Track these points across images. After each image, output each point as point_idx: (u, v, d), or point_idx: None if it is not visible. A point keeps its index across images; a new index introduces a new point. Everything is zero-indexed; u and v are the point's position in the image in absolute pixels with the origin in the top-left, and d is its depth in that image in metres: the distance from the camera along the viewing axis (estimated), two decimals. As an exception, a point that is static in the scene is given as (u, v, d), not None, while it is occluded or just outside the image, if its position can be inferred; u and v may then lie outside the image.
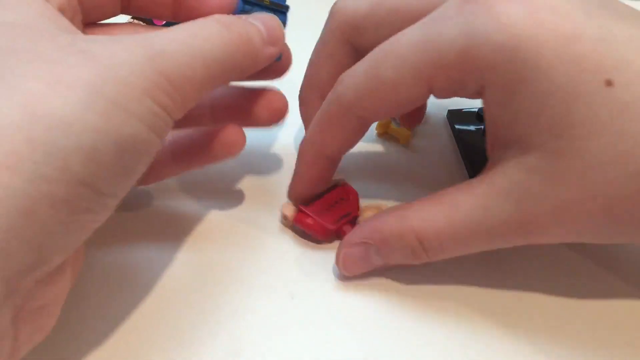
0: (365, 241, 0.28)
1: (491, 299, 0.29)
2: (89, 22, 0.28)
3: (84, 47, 0.21)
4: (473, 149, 0.36)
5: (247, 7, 0.29)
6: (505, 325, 0.28)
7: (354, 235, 0.29)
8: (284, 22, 0.29)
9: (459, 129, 0.37)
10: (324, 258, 0.31)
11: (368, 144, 0.37)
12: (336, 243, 0.31)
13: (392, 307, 0.29)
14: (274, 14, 0.29)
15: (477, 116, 0.38)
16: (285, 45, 0.30)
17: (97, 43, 0.21)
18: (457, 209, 0.26)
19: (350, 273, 0.29)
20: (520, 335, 0.28)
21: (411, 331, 0.28)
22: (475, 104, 0.39)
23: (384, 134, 0.38)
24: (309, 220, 0.30)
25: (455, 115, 0.38)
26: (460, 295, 0.29)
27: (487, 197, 0.25)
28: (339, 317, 0.28)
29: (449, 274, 0.30)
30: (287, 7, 0.30)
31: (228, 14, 0.28)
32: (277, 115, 0.30)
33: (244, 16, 0.27)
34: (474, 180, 0.27)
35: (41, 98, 0.19)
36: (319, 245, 0.31)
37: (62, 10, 0.25)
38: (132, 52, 0.21)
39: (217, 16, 0.25)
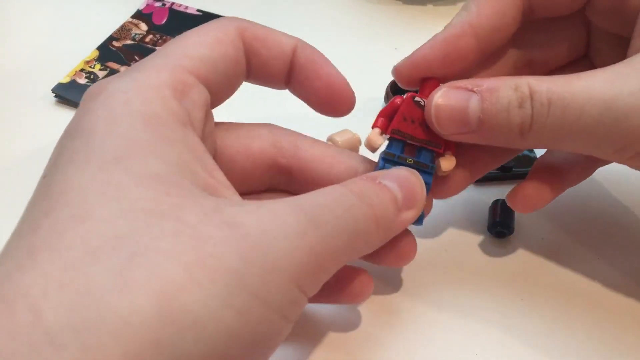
0: (469, 87, 0.25)
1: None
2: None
3: (230, 216, 0.19)
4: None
5: (388, 165, 0.26)
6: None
7: (456, 81, 0.26)
8: (428, 184, 0.26)
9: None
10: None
11: (369, 144, 0.37)
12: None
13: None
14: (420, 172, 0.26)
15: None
16: (428, 204, 0.27)
17: (244, 210, 0.20)
18: (578, 77, 0.24)
19: (442, 125, 0.25)
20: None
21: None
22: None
23: (385, 134, 0.37)
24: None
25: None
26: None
27: (616, 72, 0.24)
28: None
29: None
30: (432, 167, 0.26)
31: (340, 90, 0.26)
32: (405, 259, 0.27)
33: (380, 174, 0.24)
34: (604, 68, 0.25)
35: (178, 289, 0.17)
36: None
37: (203, 136, 0.23)
38: (284, 223, 0.20)
39: (349, 183, 0.23)
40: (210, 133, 0.24)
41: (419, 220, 0.25)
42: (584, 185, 0.35)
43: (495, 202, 0.32)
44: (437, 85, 0.26)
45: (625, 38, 0.27)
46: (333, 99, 0.26)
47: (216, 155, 0.25)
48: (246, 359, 0.19)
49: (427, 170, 0.26)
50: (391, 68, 0.40)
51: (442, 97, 0.25)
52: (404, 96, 0.26)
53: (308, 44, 0.26)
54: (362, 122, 0.38)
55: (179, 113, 0.21)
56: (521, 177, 0.34)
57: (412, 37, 0.43)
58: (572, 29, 0.29)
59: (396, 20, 0.46)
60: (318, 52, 0.26)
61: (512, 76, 0.25)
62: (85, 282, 0.17)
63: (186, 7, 0.45)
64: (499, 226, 0.31)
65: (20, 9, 0.45)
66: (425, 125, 0.26)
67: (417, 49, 0.27)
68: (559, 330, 0.28)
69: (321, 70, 0.26)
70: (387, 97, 0.38)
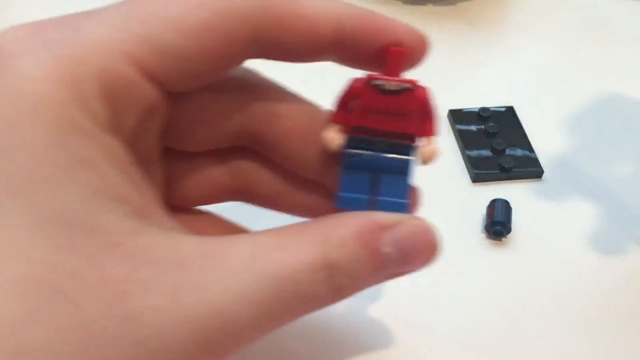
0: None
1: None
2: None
3: (133, 309, 0.15)
4: (474, 149, 0.36)
5: (352, 172, 0.21)
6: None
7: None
8: (407, 170, 0.21)
9: (459, 129, 0.37)
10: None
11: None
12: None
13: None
14: (396, 153, 0.21)
15: (478, 116, 0.38)
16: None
17: (153, 304, 0.16)
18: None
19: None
20: None
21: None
22: (476, 103, 0.38)
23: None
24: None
25: (456, 115, 0.38)
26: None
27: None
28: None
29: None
30: (412, 140, 0.21)
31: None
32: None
33: (387, 223, 0.19)
34: None
35: None
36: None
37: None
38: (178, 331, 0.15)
39: (322, 239, 0.18)
40: (152, 135, 0.20)
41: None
42: (584, 185, 0.35)
43: (493, 201, 0.32)
44: (403, 55, 0.21)
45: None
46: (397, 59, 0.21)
47: (168, 131, 0.21)
48: None
49: (405, 154, 0.21)
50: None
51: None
52: (364, 76, 0.21)
53: (359, 11, 0.20)
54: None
55: (101, 118, 0.17)
56: (520, 177, 0.35)
57: (412, 37, 0.44)
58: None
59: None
60: (371, 16, 0.20)
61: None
62: None
63: (187, 7, 0.45)
64: (496, 226, 0.31)
65: (20, 9, 0.45)
66: (393, 113, 0.21)
67: None
68: (558, 331, 0.28)
69: (378, 39, 0.20)
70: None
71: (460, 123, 0.37)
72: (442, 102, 0.38)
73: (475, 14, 0.45)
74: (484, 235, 0.32)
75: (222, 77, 0.20)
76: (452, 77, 0.41)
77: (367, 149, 0.21)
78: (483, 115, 0.37)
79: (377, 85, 0.20)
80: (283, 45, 0.19)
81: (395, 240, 0.18)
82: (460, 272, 0.30)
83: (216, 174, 0.23)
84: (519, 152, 0.36)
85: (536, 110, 0.39)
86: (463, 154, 0.36)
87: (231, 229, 0.24)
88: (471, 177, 0.35)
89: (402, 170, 0.21)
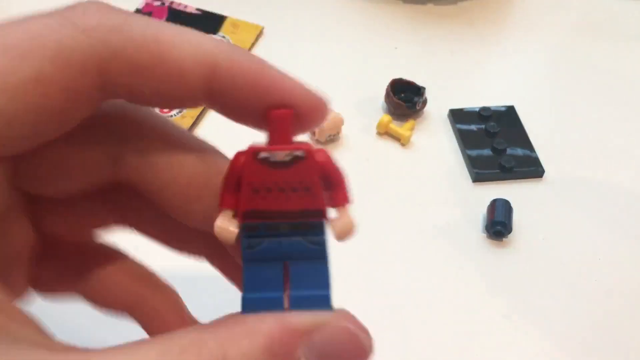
0: None
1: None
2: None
3: None
4: (474, 149, 0.36)
5: (255, 265, 0.17)
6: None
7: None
8: (323, 254, 0.17)
9: (460, 129, 0.37)
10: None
11: (368, 144, 0.37)
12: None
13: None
14: (307, 234, 0.17)
15: (479, 115, 0.37)
16: None
17: None
18: None
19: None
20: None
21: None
22: (476, 103, 0.38)
23: (385, 134, 0.37)
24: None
25: (456, 115, 0.38)
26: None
27: None
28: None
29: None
30: (321, 240, 0.17)
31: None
32: None
33: (303, 332, 0.15)
34: None
35: None
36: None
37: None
38: None
39: (219, 357, 0.14)
40: None
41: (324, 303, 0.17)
42: (585, 185, 0.35)
43: (493, 201, 0.32)
44: (288, 118, 0.17)
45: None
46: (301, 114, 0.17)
47: (23, 181, 0.17)
48: None
49: (316, 233, 0.17)
50: (391, 67, 0.41)
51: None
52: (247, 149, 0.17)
53: (239, 58, 0.16)
54: (362, 123, 0.38)
55: None
56: (521, 176, 0.35)
57: (412, 36, 0.44)
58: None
59: (396, 19, 0.46)
60: (256, 72, 0.16)
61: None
62: None
63: (185, 6, 0.45)
64: (497, 226, 0.31)
65: (20, 9, 0.45)
66: (291, 188, 0.17)
67: None
68: (558, 331, 0.28)
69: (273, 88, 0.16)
70: (387, 97, 0.38)
71: (461, 122, 0.37)
72: (443, 102, 0.38)
73: (475, 14, 0.45)
74: (484, 235, 0.32)
75: (74, 126, 0.16)
76: (452, 77, 0.41)
77: (269, 235, 0.17)
78: (484, 114, 0.37)
79: (264, 159, 0.16)
80: (141, 93, 0.16)
81: (316, 349, 0.15)
82: (461, 272, 0.30)
83: (95, 213, 0.19)
84: (519, 151, 0.36)
85: (537, 109, 0.38)
86: (463, 153, 0.36)
87: (137, 271, 0.20)
88: (472, 177, 0.35)
89: (317, 254, 0.17)
